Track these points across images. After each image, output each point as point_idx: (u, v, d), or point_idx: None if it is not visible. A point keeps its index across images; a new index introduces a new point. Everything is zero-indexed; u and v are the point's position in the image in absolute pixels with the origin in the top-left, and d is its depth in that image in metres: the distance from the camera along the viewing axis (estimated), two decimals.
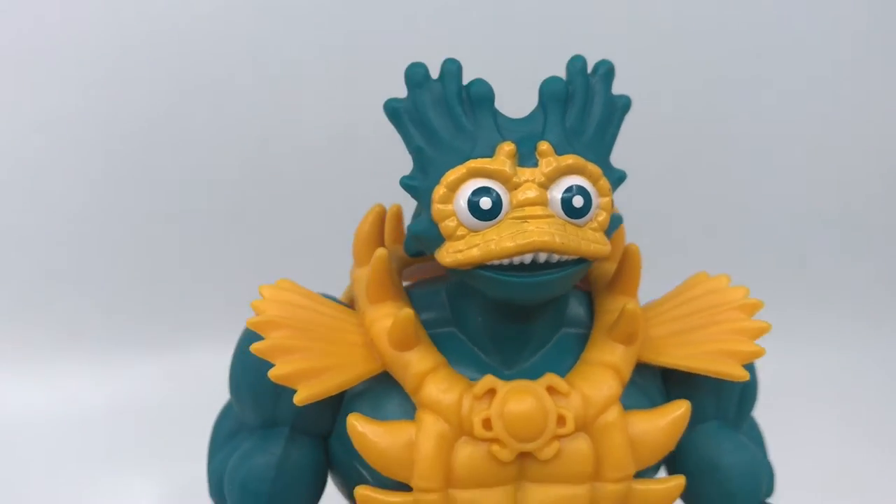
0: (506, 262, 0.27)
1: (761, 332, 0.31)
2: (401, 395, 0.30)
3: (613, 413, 0.28)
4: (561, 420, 0.28)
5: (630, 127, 0.32)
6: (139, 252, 0.68)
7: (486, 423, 0.28)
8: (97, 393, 0.66)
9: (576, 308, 0.32)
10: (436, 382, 0.29)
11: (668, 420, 0.29)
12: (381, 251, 0.30)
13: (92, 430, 0.63)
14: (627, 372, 0.30)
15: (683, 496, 0.32)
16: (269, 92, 0.65)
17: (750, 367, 0.34)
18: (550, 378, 0.29)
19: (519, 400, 0.28)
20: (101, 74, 0.67)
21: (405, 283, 0.34)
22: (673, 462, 0.33)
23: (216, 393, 0.38)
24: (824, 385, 0.71)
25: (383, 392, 0.30)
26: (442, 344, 0.30)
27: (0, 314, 0.70)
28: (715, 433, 0.33)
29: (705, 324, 0.31)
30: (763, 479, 0.33)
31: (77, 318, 0.70)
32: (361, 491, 0.29)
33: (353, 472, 0.31)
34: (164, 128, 0.67)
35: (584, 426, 0.28)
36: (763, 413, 0.37)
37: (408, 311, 0.29)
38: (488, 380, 0.29)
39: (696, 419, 0.32)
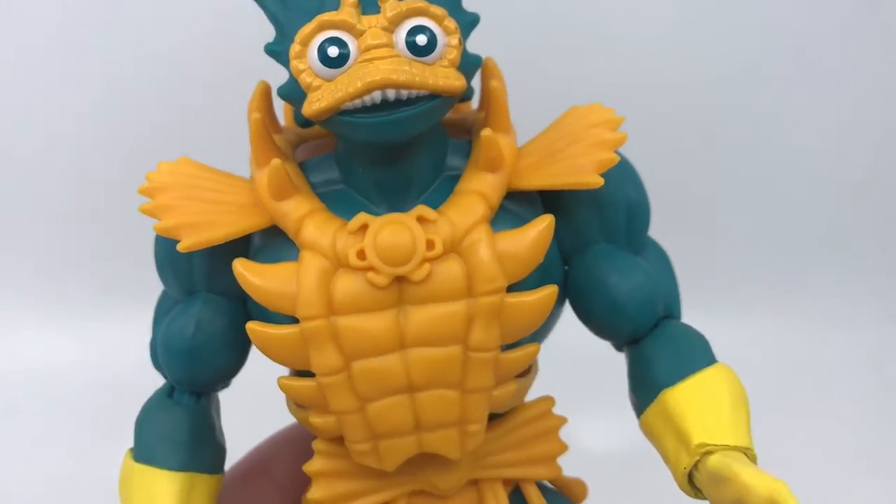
0: (358, 103, 0.29)
1: (619, 142, 0.32)
2: (296, 248, 0.31)
3: (480, 232, 0.30)
4: (430, 244, 0.30)
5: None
6: None
7: (361, 254, 0.30)
8: (130, 348, 0.67)
9: (456, 155, 0.33)
10: (313, 223, 0.31)
11: (532, 233, 0.31)
12: (275, 162, 0.31)
13: (123, 385, 0.64)
14: (495, 197, 0.31)
15: (582, 319, 0.34)
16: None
17: (635, 183, 0.35)
18: (420, 209, 0.31)
19: (389, 230, 0.30)
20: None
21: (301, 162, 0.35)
22: (566, 283, 0.34)
23: None
24: (854, 366, 0.71)
25: (281, 245, 0.32)
26: (333, 199, 0.32)
27: (35, 267, 0.71)
28: (603, 253, 0.34)
29: (568, 144, 0.33)
30: (657, 294, 0.33)
31: (113, 273, 0.70)
32: (251, 326, 0.31)
33: None
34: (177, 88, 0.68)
35: (452, 248, 0.30)
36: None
37: (277, 161, 0.31)
38: (360, 217, 0.31)
39: (583, 243, 0.34)
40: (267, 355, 0.31)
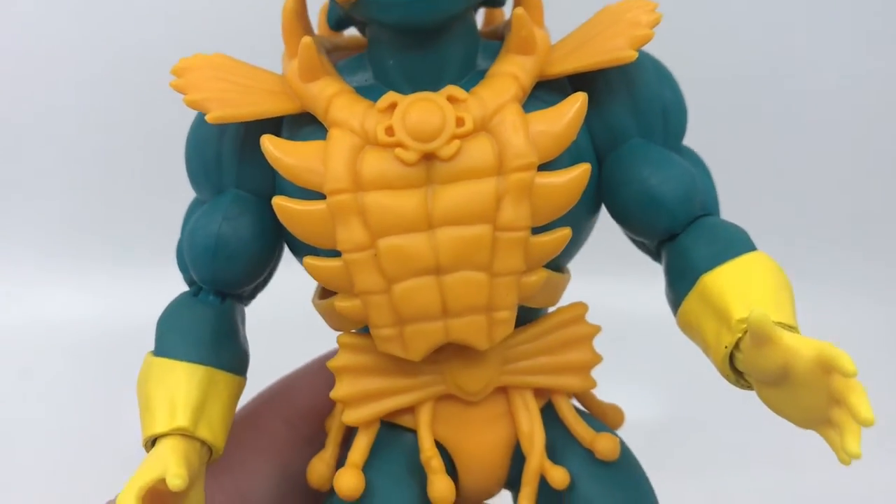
0: None
1: (654, 21, 0.31)
2: (325, 133, 0.31)
3: (511, 110, 0.30)
4: (460, 121, 0.30)
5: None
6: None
7: (389, 131, 0.29)
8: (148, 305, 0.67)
9: (487, 54, 0.33)
10: (342, 101, 0.30)
11: (565, 111, 0.30)
12: (305, 38, 0.31)
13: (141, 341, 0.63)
14: (527, 80, 0.31)
15: (616, 217, 0.33)
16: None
17: (671, 86, 0.34)
18: (450, 89, 0.30)
19: (418, 107, 0.30)
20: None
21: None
22: (599, 184, 0.33)
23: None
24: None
25: (311, 132, 0.31)
26: (364, 93, 0.32)
27: (55, 226, 0.72)
28: (637, 146, 0.33)
29: (601, 31, 0.32)
30: (695, 190, 0.32)
31: (130, 231, 0.71)
32: (277, 201, 0.30)
33: None
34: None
35: (483, 125, 0.30)
36: None
37: (308, 38, 0.30)
38: (389, 95, 0.30)
39: (617, 138, 0.33)
40: (293, 231, 0.30)
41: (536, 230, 0.30)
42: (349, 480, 0.32)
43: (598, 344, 0.35)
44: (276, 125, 0.33)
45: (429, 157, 0.29)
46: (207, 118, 0.31)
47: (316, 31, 0.36)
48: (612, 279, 0.63)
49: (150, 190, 0.68)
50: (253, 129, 0.32)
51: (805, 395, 0.26)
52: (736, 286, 0.29)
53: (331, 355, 0.38)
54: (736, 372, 0.29)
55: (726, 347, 0.28)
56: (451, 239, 0.29)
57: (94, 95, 0.72)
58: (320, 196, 0.30)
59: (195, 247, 0.33)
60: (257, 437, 0.38)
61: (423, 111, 0.29)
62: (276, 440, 0.38)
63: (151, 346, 0.34)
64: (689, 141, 0.35)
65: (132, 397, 0.33)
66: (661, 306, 0.33)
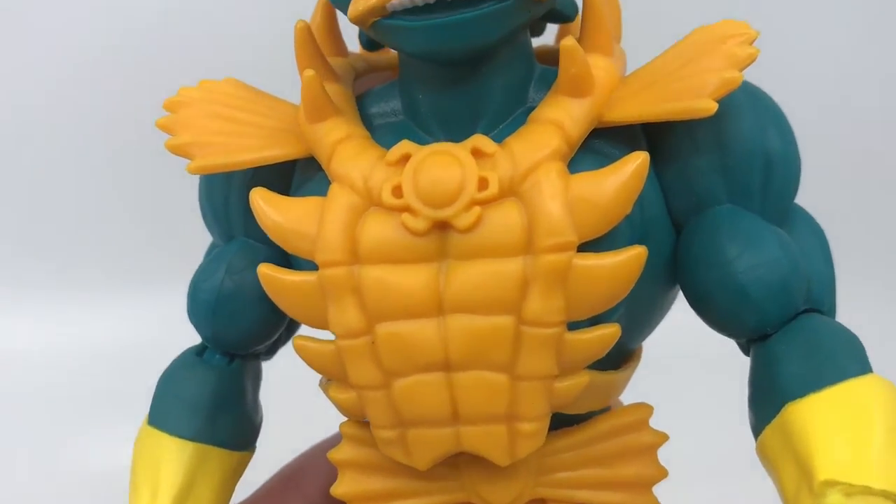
0: (407, 2, 0.23)
1: (749, 59, 0.23)
2: None
3: (548, 171, 0.23)
4: (483, 182, 0.24)
5: None
6: (143, 189, 0.66)
7: (397, 191, 0.24)
8: (97, 332, 0.65)
9: (545, 85, 0.26)
10: (348, 150, 0.25)
11: (618, 175, 0.23)
12: (308, 73, 0.26)
13: (92, 369, 0.61)
14: (576, 130, 0.24)
15: (693, 304, 0.26)
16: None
17: (780, 127, 0.26)
18: (476, 139, 0.24)
19: (433, 161, 0.24)
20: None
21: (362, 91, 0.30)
22: (676, 264, 0.26)
23: None
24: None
25: (320, 180, 0.26)
26: (387, 131, 0.27)
27: (16, 254, 0.71)
28: (725, 215, 0.25)
29: (682, 65, 0.24)
30: (797, 277, 0.24)
31: (77, 257, 0.70)
32: (262, 269, 0.25)
33: None
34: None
35: (511, 190, 0.24)
36: None
37: (311, 71, 0.25)
38: (403, 145, 0.25)
39: (701, 203, 0.26)
40: (280, 306, 0.25)
41: (575, 325, 0.24)
42: None
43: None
44: (290, 168, 0.28)
45: (443, 227, 0.24)
46: (187, 168, 0.26)
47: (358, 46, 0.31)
48: None
49: (118, 218, 0.68)
50: (263, 173, 0.28)
51: None
52: (827, 428, 0.22)
53: None
54: None
55: None
56: (465, 329, 0.23)
57: (64, 123, 0.71)
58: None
59: (196, 301, 0.29)
60: None
61: (438, 168, 0.24)
62: None
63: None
64: None
65: (95, 423, 0.30)
66: None
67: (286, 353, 0.33)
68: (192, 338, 0.31)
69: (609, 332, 0.24)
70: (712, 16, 0.26)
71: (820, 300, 0.25)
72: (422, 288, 0.24)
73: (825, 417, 0.22)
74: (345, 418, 0.28)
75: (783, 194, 0.26)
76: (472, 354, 0.24)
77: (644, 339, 0.29)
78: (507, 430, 0.25)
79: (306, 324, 0.25)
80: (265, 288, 0.25)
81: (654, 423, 0.27)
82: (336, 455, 0.28)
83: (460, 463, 0.27)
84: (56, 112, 0.70)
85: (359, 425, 0.28)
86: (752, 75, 0.25)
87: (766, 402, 0.24)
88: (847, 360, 0.23)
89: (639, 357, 0.29)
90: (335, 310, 0.24)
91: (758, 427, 0.24)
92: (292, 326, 0.32)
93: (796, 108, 0.28)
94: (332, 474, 0.33)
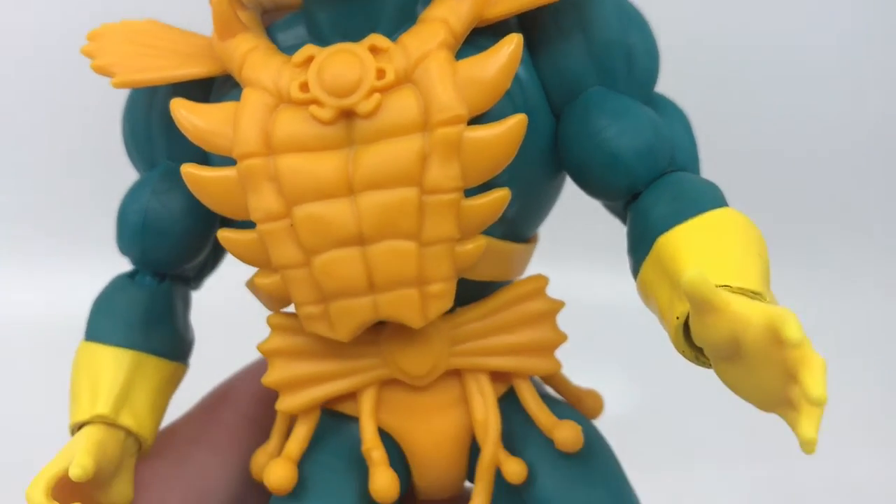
0: None
1: None
2: None
3: (436, 58, 0.27)
4: (380, 73, 0.27)
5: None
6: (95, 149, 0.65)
7: (304, 87, 0.27)
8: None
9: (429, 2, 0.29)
10: (256, 57, 0.28)
11: (497, 57, 0.26)
12: None
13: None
14: (459, 23, 0.27)
15: (575, 177, 0.30)
16: None
17: (639, 27, 0.30)
18: (373, 38, 0.27)
19: (335, 59, 0.27)
20: None
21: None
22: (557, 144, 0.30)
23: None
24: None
25: (233, 96, 0.29)
26: (293, 52, 0.28)
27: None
28: (595, 96, 0.29)
29: None
30: (662, 142, 0.28)
31: (74, 220, 0.70)
32: (185, 168, 0.28)
33: None
34: None
35: (406, 77, 0.27)
36: None
37: None
38: (307, 48, 0.28)
39: (574, 89, 0.29)
40: (203, 201, 0.28)
41: (471, 192, 0.27)
42: (278, 473, 0.29)
43: (569, 337, 0.32)
44: (206, 91, 0.30)
45: (348, 115, 0.26)
46: (111, 83, 0.29)
47: None
48: (582, 269, 0.59)
49: (98, 181, 0.69)
50: (181, 94, 0.30)
51: (761, 372, 0.22)
52: (692, 247, 0.25)
53: None
54: (693, 347, 0.25)
55: (678, 318, 0.24)
56: (375, 205, 0.26)
57: (44, 88, 0.72)
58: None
59: (124, 224, 0.31)
60: (215, 433, 0.35)
61: (340, 64, 0.27)
62: (236, 435, 0.35)
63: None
64: None
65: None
66: (633, 296, 0.30)
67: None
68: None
69: (499, 196, 0.27)
70: None
71: (685, 166, 0.29)
72: (333, 170, 0.26)
73: (689, 240, 0.25)
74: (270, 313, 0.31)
75: (645, 80, 0.30)
76: (383, 226, 0.26)
77: (536, 227, 0.32)
78: (418, 293, 0.28)
79: (228, 215, 0.28)
80: (189, 186, 0.28)
81: None
82: (264, 346, 0.30)
83: (381, 340, 0.30)
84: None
85: (284, 316, 0.30)
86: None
87: (641, 244, 0.27)
88: (706, 198, 0.27)
89: (535, 241, 0.32)
90: (255, 197, 0.27)
91: (636, 268, 0.27)
92: (217, 255, 0.34)
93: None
94: (260, 388, 0.36)
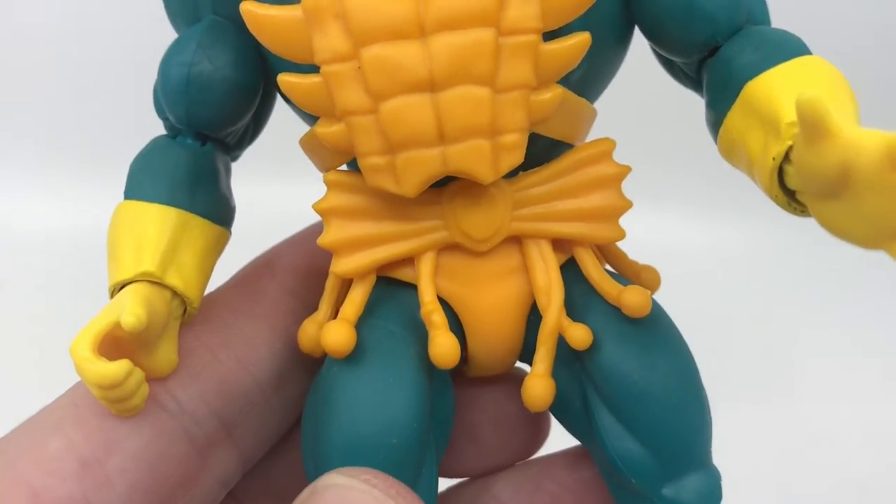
0: None
1: None
2: None
3: None
4: None
5: None
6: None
7: None
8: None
9: None
10: None
11: None
12: None
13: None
14: None
15: (649, 32, 0.28)
16: None
17: None
18: None
19: None
20: None
21: None
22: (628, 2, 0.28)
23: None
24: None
25: None
26: None
27: (29, 137, 0.71)
28: None
29: None
30: None
31: (107, 142, 0.68)
32: (245, 6, 0.26)
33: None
34: None
35: None
36: None
37: None
38: None
39: None
40: (263, 41, 0.26)
41: (548, 37, 0.26)
42: (338, 334, 0.28)
43: None
44: None
45: None
46: None
47: None
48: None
49: (128, 101, 0.67)
50: None
51: (872, 202, 0.21)
52: (787, 88, 0.24)
53: None
54: (787, 192, 0.24)
55: (774, 159, 0.23)
56: (447, 46, 0.25)
57: (74, 11, 0.69)
58: None
59: (168, 79, 0.29)
60: (255, 303, 0.34)
61: None
62: (276, 307, 0.34)
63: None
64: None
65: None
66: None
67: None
68: None
69: (580, 40, 0.26)
70: None
71: (760, 16, 0.28)
72: (404, 8, 0.25)
73: (782, 82, 0.24)
74: (323, 174, 0.30)
75: None
76: (456, 69, 0.25)
77: (599, 94, 0.31)
78: (490, 144, 0.26)
79: (290, 57, 0.26)
80: (249, 26, 0.26)
81: None
82: (321, 205, 0.29)
83: (443, 201, 0.29)
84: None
85: (342, 173, 0.29)
86: None
87: (725, 93, 0.26)
88: (792, 45, 0.26)
89: (595, 110, 0.31)
90: (321, 37, 0.25)
91: (718, 118, 0.26)
92: (258, 124, 0.33)
93: None
94: (303, 260, 0.34)
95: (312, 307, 0.33)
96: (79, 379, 0.26)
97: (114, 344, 0.26)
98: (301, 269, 0.34)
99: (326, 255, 0.33)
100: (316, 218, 0.38)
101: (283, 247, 0.36)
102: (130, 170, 0.30)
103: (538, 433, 0.36)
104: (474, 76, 0.25)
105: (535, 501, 0.35)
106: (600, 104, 0.31)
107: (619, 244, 0.33)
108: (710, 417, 0.30)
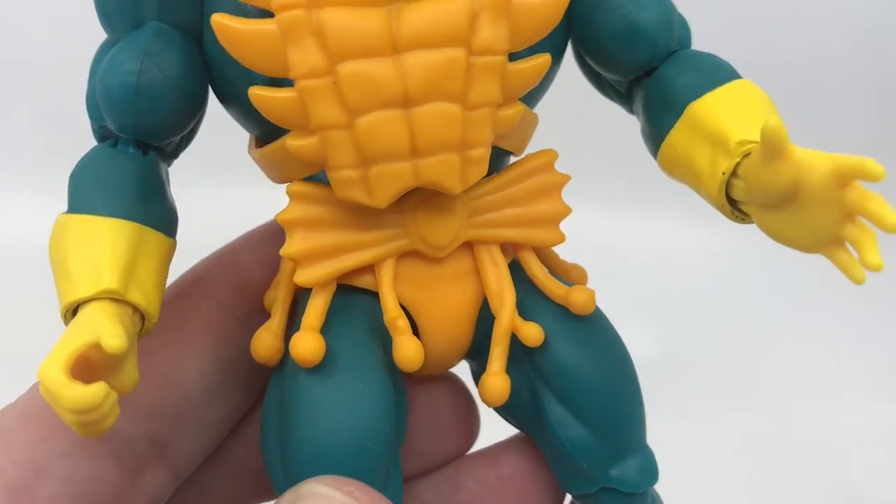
0: None
1: None
2: None
3: None
4: None
5: None
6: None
7: None
8: None
9: None
10: None
11: None
12: None
13: None
14: None
15: (589, 50, 0.30)
16: None
17: None
18: None
19: None
20: None
21: None
22: (569, 18, 0.30)
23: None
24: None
25: None
26: None
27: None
28: None
29: None
30: (675, 18, 0.30)
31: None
32: (217, 18, 0.26)
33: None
34: None
35: None
36: None
37: None
38: None
39: None
40: (237, 55, 0.26)
41: (512, 58, 0.27)
42: (307, 343, 0.28)
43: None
44: None
45: None
46: None
47: None
48: (605, 213, 0.60)
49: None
50: None
51: (815, 214, 0.24)
52: (731, 110, 0.27)
53: (259, 231, 0.34)
54: (731, 202, 0.27)
55: (724, 174, 0.26)
56: (421, 64, 0.26)
57: (69, 17, 0.65)
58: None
59: (112, 88, 0.28)
60: (185, 319, 0.33)
61: None
62: (207, 322, 0.34)
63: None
64: None
65: None
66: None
67: None
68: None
69: (542, 61, 0.28)
70: None
71: (686, 43, 0.31)
72: (377, 26, 0.26)
73: (724, 104, 0.28)
74: (282, 186, 0.30)
75: None
76: (430, 87, 0.26)
77: (539, 98, 0.33)
78: (459, 157, 0.28)
79: (263, 71, 0.26)
80: (221, 39, 0.26)
81: None
82: (284, 216, 0.29)
83: (404, 210, 0.30)
84: None
85: (306, 184, 0.29)
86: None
87: (668, 112, 0.29)
88: (727, 71, 0.29)
89: (536, 118, 0.33)
90: (297, 52, 0.25)
91: (660, 134, 0.29)
92: (193, 129, 0.32)
93: None
94: (234, 275, 0.34)
95: (244, 321, 0.33)
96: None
97: (83, 365, 0.25)
98: (233, 284, 0.34)
99: (257, 269, 0.33)
100: (241, 230, 0.37)
101: (213, 262, 0.35)
102: (73, 182, 0.29)
103: (469, 434, 0.38)
104: (447, 93, 0.26)
105: (456, 500, 0.37)
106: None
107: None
108: (644, 404, 0.33)
